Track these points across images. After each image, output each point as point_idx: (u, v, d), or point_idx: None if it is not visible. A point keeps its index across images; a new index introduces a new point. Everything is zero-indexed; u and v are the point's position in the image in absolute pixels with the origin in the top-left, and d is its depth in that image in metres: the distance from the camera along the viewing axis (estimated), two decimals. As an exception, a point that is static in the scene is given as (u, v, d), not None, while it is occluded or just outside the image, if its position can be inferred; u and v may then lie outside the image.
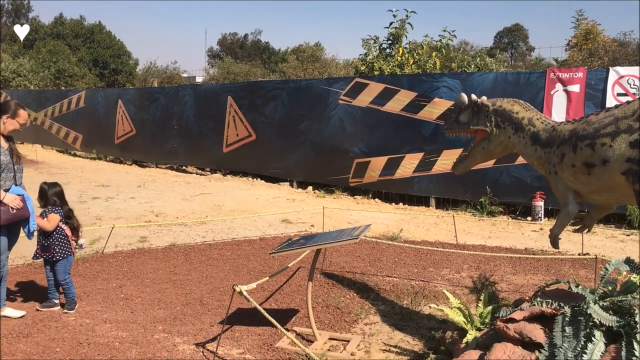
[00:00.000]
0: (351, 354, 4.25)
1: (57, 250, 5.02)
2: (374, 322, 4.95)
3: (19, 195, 4.68)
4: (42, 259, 5.15)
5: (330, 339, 4.57)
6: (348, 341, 4.49)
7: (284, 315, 5.04)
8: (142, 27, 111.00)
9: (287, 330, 4.44)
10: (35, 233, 5.00)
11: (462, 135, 4.79)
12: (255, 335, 4.60)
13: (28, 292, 5.58)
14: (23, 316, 4.89)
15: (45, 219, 5.02)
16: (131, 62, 45.00)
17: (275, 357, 4.20)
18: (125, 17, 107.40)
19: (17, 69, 32.36)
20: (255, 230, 8.72)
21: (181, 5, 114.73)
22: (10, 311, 4.89)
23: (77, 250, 5.29)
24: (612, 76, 9.09)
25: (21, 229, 4.89)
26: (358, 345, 4.44)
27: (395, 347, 4.41)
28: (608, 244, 7.96)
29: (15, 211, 4.61)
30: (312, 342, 4.46)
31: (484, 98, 4.55)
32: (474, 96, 4.52)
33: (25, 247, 6.14)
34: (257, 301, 4.56)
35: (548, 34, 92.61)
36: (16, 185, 4.74)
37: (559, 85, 9.47)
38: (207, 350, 4.29)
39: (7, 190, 4.62)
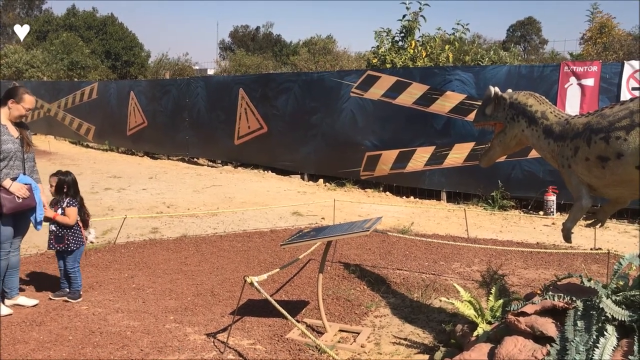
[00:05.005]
0: (361, 346, 4.26)
1: (72, 240, 5.05)
2: (384, 315, 4.95)
3: (26, 184, 4.67)
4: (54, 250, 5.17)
5: (341, 330, 4.59)
6: (358, 333, 4.50)
7: (295, 307, 5.06)
8: (154, 19, 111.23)
9: (298, 321, 4.45)
10: (47, 223, 5.01)
11: (487, 128, 4.83)
12: (266, 326, 4.62)
13: (41, 281, 5.64)
14: (36, 305, 4.94)
15: (63, 213, 5.02)
16: (143, 54, 45.09)
17: (285, 348, 4.22)
18: (137, 9, 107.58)
19: (30, 60, 32.58)
20: (266, 223, 8.74)
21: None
22: (23, 300, 4.95)
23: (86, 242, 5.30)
24: (627, 70, 8.98)
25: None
26: (368, 337, 4.45)
27: (405, 339, 4.41)
28: (621, 239, 7.90)
29: (21, 200, 4.60)
30: (322, 333, 4.47)
31: (509, 91, 4.54)
32: (496, 89, 4.51)
33: (38, 237, 6.20)
34: (268, 292, 4.57)
35: (562, 27, 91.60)
36: (24, 174, 4.74)
37: (573, 79, 9.38)
38: (218, 340, 4.32)
39: (14, 179, 4.61)
